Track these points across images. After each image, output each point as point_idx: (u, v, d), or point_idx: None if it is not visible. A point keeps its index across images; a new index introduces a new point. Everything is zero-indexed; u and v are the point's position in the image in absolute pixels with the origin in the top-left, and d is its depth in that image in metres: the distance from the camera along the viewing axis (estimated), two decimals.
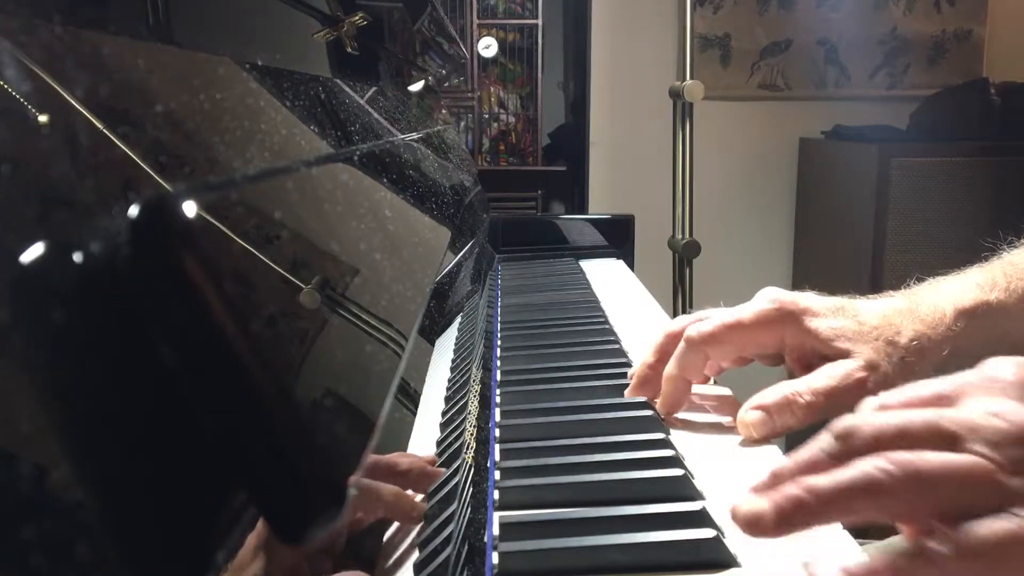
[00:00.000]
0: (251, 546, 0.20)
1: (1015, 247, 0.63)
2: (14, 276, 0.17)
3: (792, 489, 0.36)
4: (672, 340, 0.61)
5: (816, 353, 0.57)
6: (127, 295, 0.19)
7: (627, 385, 0.62)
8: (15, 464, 0.16)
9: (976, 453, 0.35)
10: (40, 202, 0.20)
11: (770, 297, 0.59)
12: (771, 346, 0.59)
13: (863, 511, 0.35)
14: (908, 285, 0.62)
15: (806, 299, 0.59)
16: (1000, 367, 0.39)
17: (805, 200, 2.52)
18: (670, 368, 0.59)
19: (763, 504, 0.36)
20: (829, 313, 0.58)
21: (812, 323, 0.57)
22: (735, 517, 0.36)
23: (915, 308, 0.58)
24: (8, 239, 0.18)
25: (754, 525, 0.36)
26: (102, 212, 0.21)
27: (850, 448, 0.36)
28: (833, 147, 2.36)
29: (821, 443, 0.38)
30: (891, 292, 0.61)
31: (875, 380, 0.55)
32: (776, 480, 0.38)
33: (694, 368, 0.59)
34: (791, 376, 0.58)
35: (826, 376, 0.55)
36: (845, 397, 0.53)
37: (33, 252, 0.18)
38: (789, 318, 0.58)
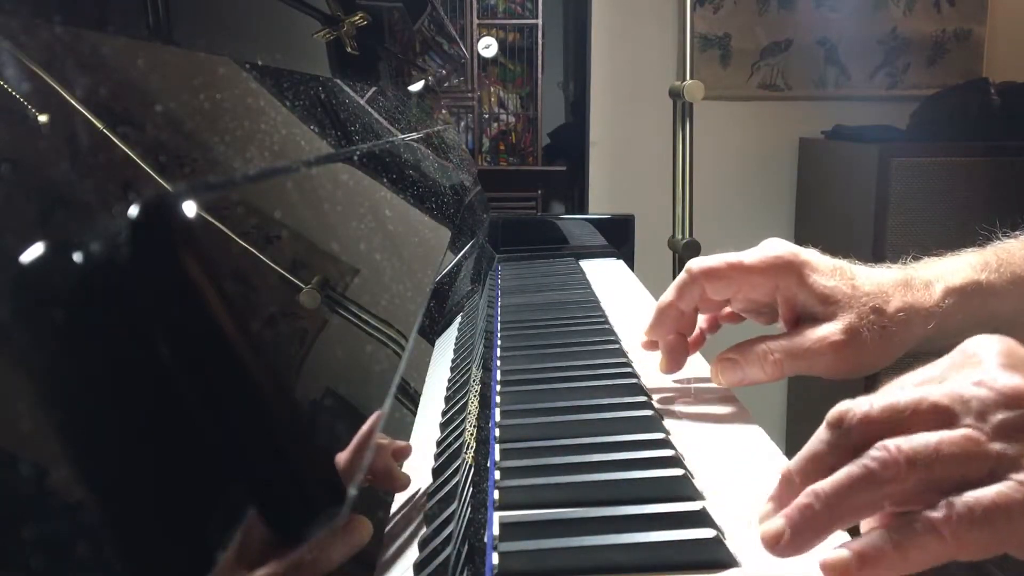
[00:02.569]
0: (251, 546, 0.20)
1: (1010, 236, 0.65)
2: (14, 276, 0.17)
3: (800, 500, 0.37)
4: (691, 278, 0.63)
5: (805, 309, 0.59)
6: (127, 295, 0.19)
7: (627, 385, 0.62)
8: (15, 464, 0.16)
9: (965, 425, 0.36)
10: (40, 202, 0.20)
11: (775, 246, 0.61)
12: (766, 292, 0.60)
13: (869, 504, 0.36)
14: (906, 260, 0.64)
15: (808, 253, 0.61)
16: (979, 343, 0.40)
17: (805, 200, 2.52)
18: (666, 295, 0.63)
19: (779, 524, 0.37)
20: (827, 272, 0.60)
21: (809, 278, 0.59)
22: (762, 541, 0.37)
23: (909, 281, 0.60)
24: (8, 239, 0.18)
25: (776, 545, 0.37)
26: (102, 212, 0.21)
27: (845, 434, 0.38)
28: (833, 147, 2.36)
29: (818, 435, 0.39)
30: (890, 264, 0.63)
31: (852, 346, 0.57)
32: (785, 482, 0.39)
33: (689, 298, 0.62)
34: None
35: (802, 338, 0.58)
36: (816, 358, 0.57)
37: (33, 252, 0.18)
38: (789, 268, 0.59)
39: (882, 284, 0.59)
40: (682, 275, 0.62)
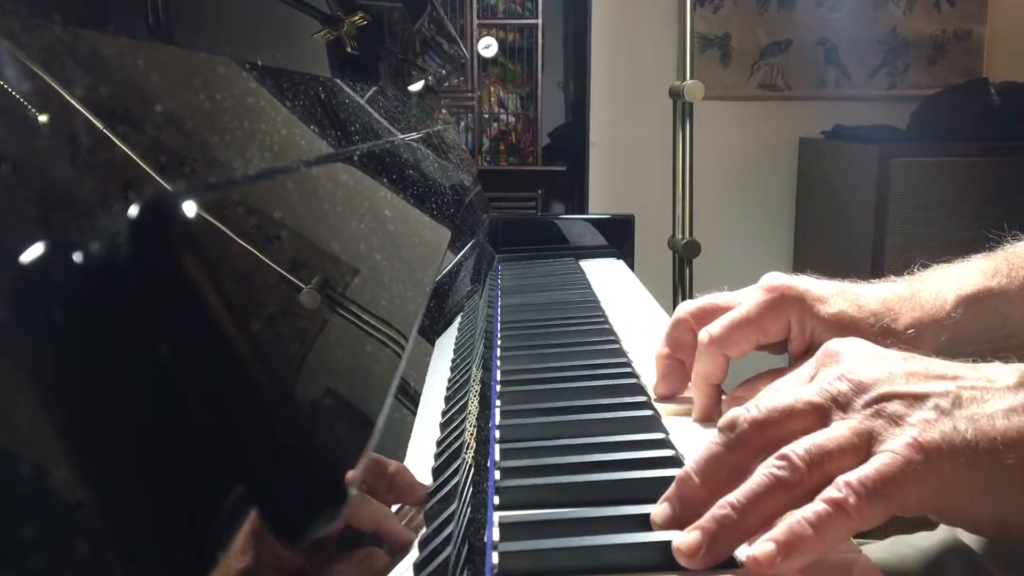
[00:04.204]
0: (251, 546, 0.20)
1: (1019, 239, 0.64)
2: (14, 276, 0.17)
3: (716, 511, 0.40)
4: (680, 327, 0.62)
5: (815, 339, 0.58)
6: (127, 295, 0.19)
7: (627, 385, 0.62)
8: (15, 464, 0.16)
9: (839, 418, 0.42)
10: (40, 202, 0.20)
11: (771, 284, 0.60)
12: (780, 333, 0.59)
13: (782, 506, 0.40)
14: (912, 271, 0.63)
15: (805, 282, 0.60)
16: (839, 343, 0.47)
17: (805, 200, 2.52)
18: (694, 377, 0.60)
19: (695, 536, 0.40)
20: (829, 297, 0.59)
21: (815, 307, 0.58)
22: (677, 554, 0.40)
23: (916, 294, 0.59)
24: (8, 239, 0.18)
25: (693, 557, 0.40)
26: (102, 212, 0.21)
27: (738, 437, 0.43)
28: (833, 147, 2.36)
29: (713, 440, 0.43)
30: (893, 277, 0.62)
31: None
32: (682, 482, 0.43)
33: (716, 371, 0.60)
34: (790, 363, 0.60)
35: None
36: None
37: (33, 252, 0.18)
38: (793, 303, 0.58)
39: (888, 301, 0.58)
40: (699, 352, 0.60)
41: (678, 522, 0.42)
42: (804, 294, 0.59)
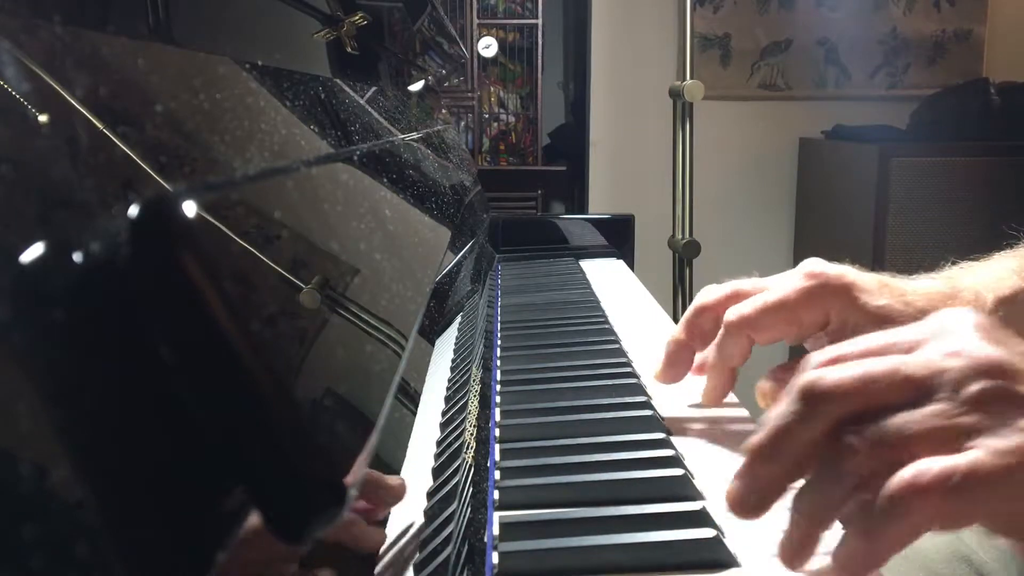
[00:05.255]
0: (251, 546, 0.20)
1: None
2: (14, 276, 0.17)
3: (791, 516, 0.36)
4: (703, 314, 0.58)
5: (855, 333, 0.53)
6: (127, 295, 0.19)
7: (627, 385, 0.62)
8: (15, 464, 0.16)
9: (938, 400, 0.35)
10: (40, 202, 0.20)
11: (812, 271, 0.55)
12: (814, 325, 0.55)
13: (844, 499, 0.35)
14: (942, 266, 0.60)
15: (851, 273, 0.55)
16: (954, 314, 0.39)
17: (805, 200, 2.52)
18: (713, 357, 0.56)
19: (776, 559, 0.37)
20: (875, 290, 0.54)
21: (860, 299, 0.54)
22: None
23: (956, 293, 0.56)
24: (8, 239, 0.18)
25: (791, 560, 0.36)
26: (102, 212, 0.21)
27: (819, 402, 0.36)
28: (833, 147, 2.36)
29: (788, 406, 0.37)
30: (930, 275, 0.58)
31: None
32: (753, 456, 0.38)
33: (739, 354, 0.55)
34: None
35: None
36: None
37: (33, 252, 0.18)
38: (837, 293, 0.54)
39: (932, 299, 0.55)
40: (722, 332, 0.55)
41: (751, 506, 0.38)
42: (850, 285, 0.54)
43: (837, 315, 0.54)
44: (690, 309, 0.59)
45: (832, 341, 0.53)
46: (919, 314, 0.53)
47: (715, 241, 2.12)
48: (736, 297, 0.57)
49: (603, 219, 1.33)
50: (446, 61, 1.43)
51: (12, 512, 0.16)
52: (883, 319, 0.53)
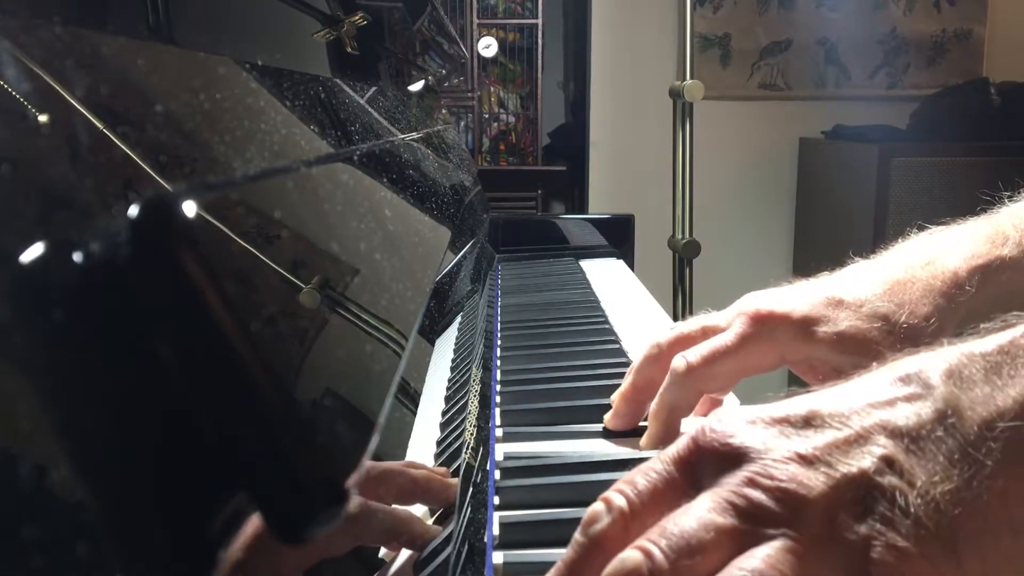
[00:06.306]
0: (251, 546, 0.20)
1: (1015, 200, 0.57)
2: (14, 276, 0.17)
3: None
4: (651, 365, 0.54)
5: (826, 364, 0.50)
6: (127, 295, 0.19)
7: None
8: (15, 464, 0.16)
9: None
10: (40, 202, 0.20)
11: (749, 312, 0.51)
12: (769, 365, 0.51)
13: None
14: (907, 236, 0.56)
15: (785, 300, 0.51)
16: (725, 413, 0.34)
17: (805, 200, 2.52)
18: (657, 404, 0.52)
19: None
20: (820, 315, 0.50)
21: (818, 332, 0.49)
22: None
23: (916, 274, 0.52)
24: (8, 239, 0.18)
25: None
26: (102, 212, 0.21)
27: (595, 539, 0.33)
28: (833, 147, 2.36)
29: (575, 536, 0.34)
30: (872, 257, 0.54)
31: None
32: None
33: (687, 404, 0.52)
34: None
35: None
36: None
37: (33, 252, 0.18)
38: (785, 330, 0.50)
39: (892, 293, 0.50)
40: (668, 379, 0.51)
41: None
42: (801, 320, 0.50)
43: (794, 353, 0.50)
44: (638, 360, 0.55)
45: (809, 379, 0.50)
46: (882, 322, 0.49)
47: (715, 241, 2.12)
48: (684, 342, 0.53)
49: (603, 219, 1.33)
50: (446, 61, 1.43)
51: (12, 512, 0.16)
52: (843, 346, 0.49)
